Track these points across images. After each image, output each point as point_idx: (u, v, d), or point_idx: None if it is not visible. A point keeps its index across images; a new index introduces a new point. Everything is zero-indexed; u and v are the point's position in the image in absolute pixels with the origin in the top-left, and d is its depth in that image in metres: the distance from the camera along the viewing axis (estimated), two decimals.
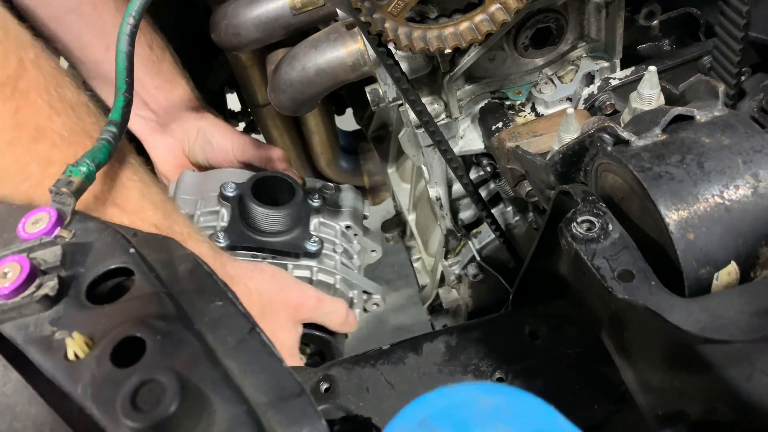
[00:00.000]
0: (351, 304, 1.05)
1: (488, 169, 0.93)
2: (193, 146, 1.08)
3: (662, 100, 0.69)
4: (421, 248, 1.28)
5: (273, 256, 0.95)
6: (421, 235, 1.27)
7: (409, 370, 0.74)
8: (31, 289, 0.49)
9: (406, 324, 2.51)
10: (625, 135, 0.57)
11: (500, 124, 0.87)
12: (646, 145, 0.56)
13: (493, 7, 0.66)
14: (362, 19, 0.62)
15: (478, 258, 1.08)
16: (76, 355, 0.44)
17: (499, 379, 0.73)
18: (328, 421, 0.44)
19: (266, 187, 0.98)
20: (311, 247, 0.98)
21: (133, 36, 0.69)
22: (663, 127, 0.57)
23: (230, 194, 0.98)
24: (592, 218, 0.55)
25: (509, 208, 1.04)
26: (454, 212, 1.05)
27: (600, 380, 0.69)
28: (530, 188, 0.81)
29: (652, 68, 0.68)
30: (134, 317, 0.46)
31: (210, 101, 1.30)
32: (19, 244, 0.53)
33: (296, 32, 1.04)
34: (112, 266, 0.52)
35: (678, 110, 0.57)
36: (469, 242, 1.09)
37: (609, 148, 0.58)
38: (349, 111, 1.63)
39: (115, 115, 0.65)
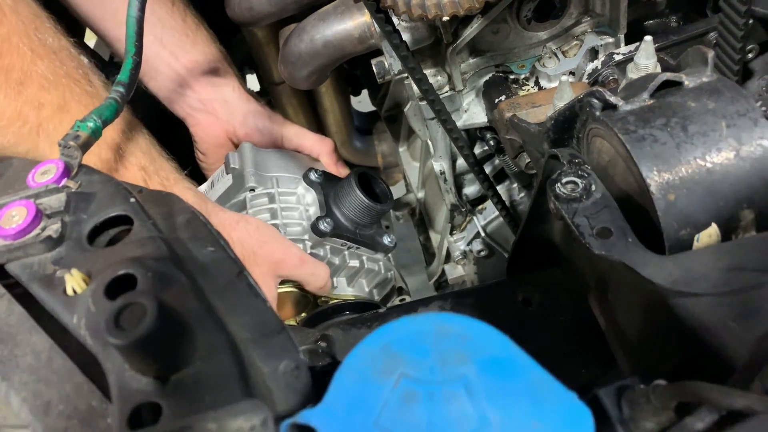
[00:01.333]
0: (389, 297, 1.08)
1: (492, 143, 0.95)
2: (237, 130, 1.09)
3: (659, 70, 0.70)
4: (428, 226, 1.29)
5: (357, 247, 0.97)
6: (428, 213, 1.29)
7: None
8: (36, 231, 0.52)
9: (405, 263, 2.53)
10: (613, 99, 0.58)
11: (503, 98, 0.88)
12: (633, 109, 0.57)
13: None
14: None
15: (482, 234, 1.09)
16: (74, 291, 0.47)
17: None
18: (311, 368, 0.46)
19: (363, 182, 0.99)
20: (388, 242, 1.00)
21: (143, 2, 0.72)
22: (651, 93, 0.57)
23: (315, 179, 0.99)
24: (576, 179, 0.56)
25: (514, 185, 1.05)
26: (459, 187, 1.07)
27: (588, 346, 0.71)
28: (529, 159, 0.83)
29: (648, 38, 0.68)
30: (129, 257, 0.48)
31: None
32: (27, 192, 0.57)
33: (308, 7, 1.06)
34: (113, 213, 0.55)
35: (666, 76, 0.57)
36: (474, 218, 1.10)
37: (597, 113, 0.59)
38: (365, 93, 1.65)
39: (123, 76, 0.68)
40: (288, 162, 1.03)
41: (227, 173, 1.01)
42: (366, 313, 0.80)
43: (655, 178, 0.53)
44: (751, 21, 0.79)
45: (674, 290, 0.46)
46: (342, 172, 1.06)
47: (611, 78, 0.87)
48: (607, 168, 0.59)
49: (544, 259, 0.78)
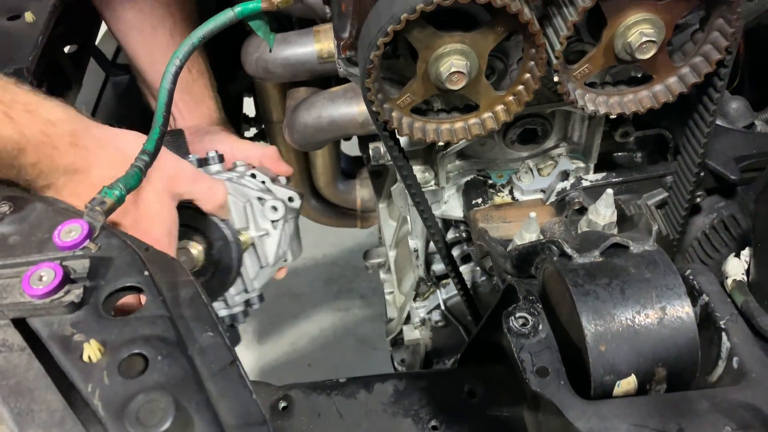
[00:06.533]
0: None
1: (464, 234, 1.05)
2: None
3: (614, 218, 0.81)
4: (395, 284, 1.39)
5: None
6: (397, 272, 1.38)
7: (359, 405, 0.85)
8: (60, 294, 0.60)
9: (369, 337, 2.64)
10: (569, 251, 0.68)
11: (480, 200, 0.98)
12: (584, 263, 0.67)
13: (486, 115, 0.77)
14: (374, 108, 0.73)
15: (443, 307, 1.19)
16: (90, 358, 0.55)
17: (434, 428, 0.84)
18: None
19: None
20: None
21: (176, 76, 0.80)
22: (601, 251, 0.68)
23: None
24: (527, 316, 0.66)
25: (478, 268, 1.15)
26: (428, 263, 1.16)
27: None
28: (492, 265, 0.93)
29: (609, 191, 0.79)
30: (142, 336, 0.56)
31: (228, 105, 1.40)
32: (54, 250, 0.64)
33: (319, 77, 1.16)
34: (128, 284, 0.63)
35: (616, 240, 0.68)
36: (437, 291, 1.20)
37: (555, 258, 0.69)
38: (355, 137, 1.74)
39: (149, 145, 0.75)
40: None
41: None
42: (327, 381, 0.88)
43: (591, 330, 0.63)
44: (702, 173, 0.92)
45: None
46: (283, 170, 1.09)
47: (576, 200, 0.98)
48: (555, 305, 0.70)
49: (492, 356, 0.88)
